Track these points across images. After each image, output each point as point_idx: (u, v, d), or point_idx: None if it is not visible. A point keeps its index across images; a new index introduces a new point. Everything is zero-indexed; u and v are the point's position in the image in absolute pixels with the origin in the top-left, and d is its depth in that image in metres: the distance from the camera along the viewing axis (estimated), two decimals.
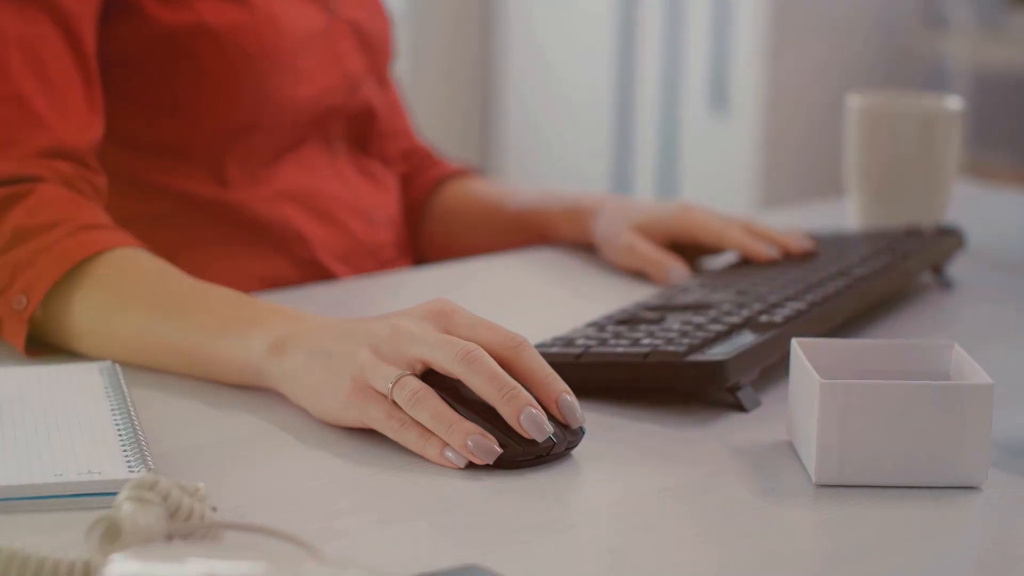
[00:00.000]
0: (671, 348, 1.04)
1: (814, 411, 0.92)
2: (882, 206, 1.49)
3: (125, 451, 0.91)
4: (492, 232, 1.52)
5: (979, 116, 3.77)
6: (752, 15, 3.62)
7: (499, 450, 0.93)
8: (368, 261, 1.43)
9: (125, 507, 0.76)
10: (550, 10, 4.00)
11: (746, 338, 1.07)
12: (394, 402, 0.95)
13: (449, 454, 0.93)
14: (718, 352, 1.04)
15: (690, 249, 1.40)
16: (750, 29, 3.63)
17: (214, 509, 0.82)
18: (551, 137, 4.04)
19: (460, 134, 4.17)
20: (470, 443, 0.92)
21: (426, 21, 4.08)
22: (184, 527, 0.78)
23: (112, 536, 0.75)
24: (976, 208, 1.72)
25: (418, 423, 0.95)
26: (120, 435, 0.93)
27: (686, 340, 1.05)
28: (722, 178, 3.74)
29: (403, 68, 4.03)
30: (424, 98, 4.08)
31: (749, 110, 3.67)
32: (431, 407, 0.94)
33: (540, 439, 0.94)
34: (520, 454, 0.94)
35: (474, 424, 0.93)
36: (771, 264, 1.32)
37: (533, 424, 0.93)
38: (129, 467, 0.88)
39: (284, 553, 0.78)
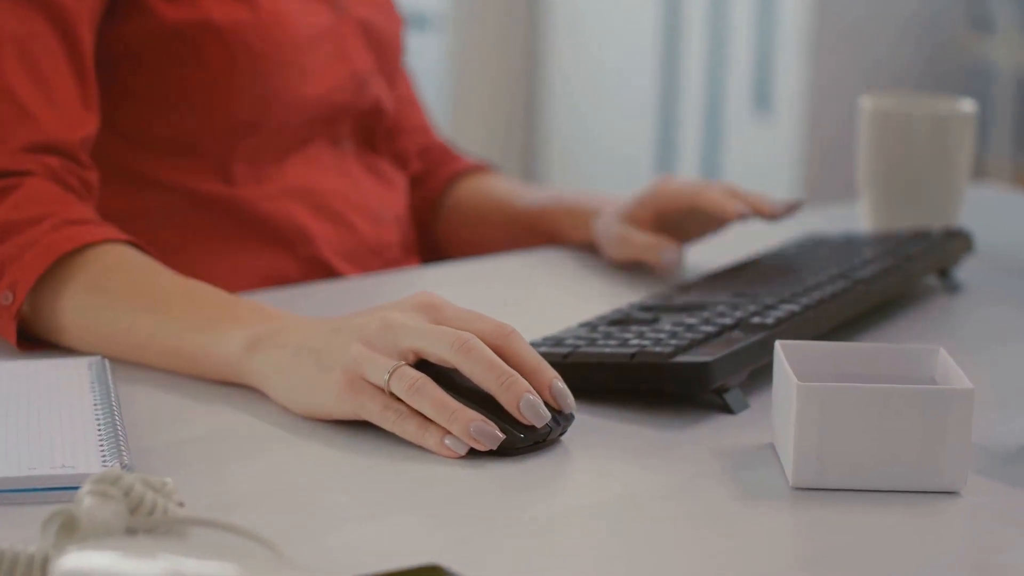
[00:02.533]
0: (657, 349, 1.04)
1: (792, 414, 0.92)
2: (894, 209, 1.48)
3: (102, 446, 0.91)
4: (499, 230, 1.52)
5: (1023, 120, 3.73)
6: (795, 16, 3.60)
7: (501, 436, 0.94)
8: (374, 260, 1.43)
9: (85, 501, 0.77)
10: (595, 10, 3.99)
11: (735, 340, 1.06)
12: (391, 393, 0.96)
13: (449, 442, 0.94)
14: (704, 354, 1.03)
15: (683, 229, 1.38)
16: (793, 30, 3.61)
17: (181, 504, 0.82)
18: (596, 136, 4.04)
19: (505, 133, 4.16)
20: (472, 430, 0.93)
21: (472, 20, 4.08)
22: (146, 522, 0.78)
23: (69, 530, 0.75)
24: (998, 211, 1.71)
25: (416, 413, 0.96)
26: (99, 430, 0.94)
27: (674, 341, 1.05)
28: (765, 178, 3.72)
29: (449, 66, 4.03)
30: (470, 98, 4.08)
31: (792, 111, 3.65)
32: (432, 396, 0.95)
33: (539, 425, 0.95)
34: (519, 441, 0.95)
35: (475, 411, 0.94)
36: (772, 266, 1.31)
37: (532, 410, 0.95)
38: (104, 462, 0.89)
39: (249, 549, 0.79)
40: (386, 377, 0.96)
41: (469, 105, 4.08)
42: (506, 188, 1.55)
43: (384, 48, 1.46)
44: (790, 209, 1.35)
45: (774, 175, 3.70)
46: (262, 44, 1.33)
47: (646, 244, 1.35)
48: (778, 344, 0.97)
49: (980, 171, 3.61)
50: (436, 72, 3.95)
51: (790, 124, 3.66)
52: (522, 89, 4.18)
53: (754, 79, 3.71)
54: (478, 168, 1.59)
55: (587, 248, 1.44)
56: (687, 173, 3.87)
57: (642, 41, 3.90)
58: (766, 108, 3.70)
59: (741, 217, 1.32)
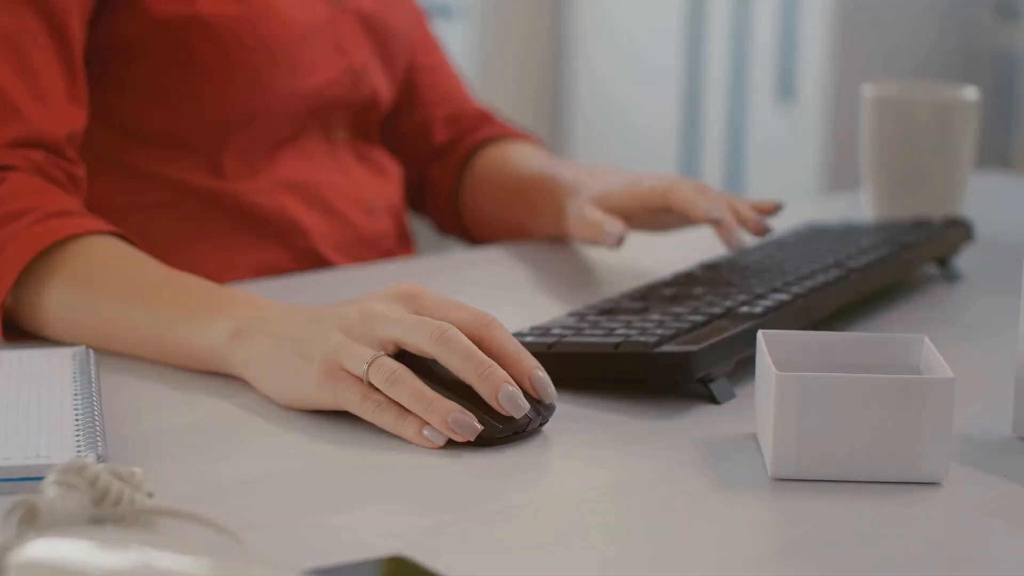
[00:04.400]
0: (642, 339, 1.03)
1: (772, 403, 0.91)
2: (896, 197, 1.47)
3: (78, 436, 0.91)
4: (496, 201, 1.48)
5: None
6: (819, 4, 3.58)
7: (479, 427, 0.94)
8: (367, 251, 1.43)
9: (49, 491, 0.76)
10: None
11: (722, 329, 1.06)
12: (370, 383, 0.95)
13: (427, 433, 0.94)
14: (688, 343, 1.03)
15: (656, 224, 1.36)
16: (817, 18, 3.59)
17: (151, 495, 0.82)
18: (622, 126, 4.03)
19: (531, 121, 4.15)
20: (450, 421, 0.93)
21: (497, 7, 4.07)
22: (112, 512, 0.78)
23: (30, 520, 0.75)
24: (1004, 199, 1.69)
25: (394, 403, 0.95)
26: (77, 420, 0.93)
27: (659, 331, 1.04)
28: (788, 167, 3.71)
29: (474, 54, 4.02)
30: (495, 86, 4.08)
31: (815, 100, 3.63)
32: (409, 386, 0.94)
33: (517, 415, 0.95)
34: (498, 431, 0.95)
35: (453, 402, 0.94)
36: (768, 255, 1.30)
37: (510, 401, 0.94)
38: (78, 452, 0.89)
39: (218, 540, 0.78)
40: (365, 367, 0.96)
41: (494, 93, 4.07)
42: (513, 155, 1.49)
43: (384, 37, 1.45)
44: (761, 227, 1.29)
45: (797, 164, 3.69)
46: (253, 38, 1.32)
47: (596, 221, 1.31)
48: (760, 333, 0.97)
49: (1004, 160, 3.58)
50: (461, 60, 3.95)
51: (813, 113, 3.64)
52: (547, 78, 4.17)
53: (778, 68, 3.70)
54: (509, 135, 1.52)
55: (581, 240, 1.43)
56: (711, 162, 3.86)
57: (667, 30, 3.89)
58: (789, 97, 3.69)
59: (712, 221, 1.27)
